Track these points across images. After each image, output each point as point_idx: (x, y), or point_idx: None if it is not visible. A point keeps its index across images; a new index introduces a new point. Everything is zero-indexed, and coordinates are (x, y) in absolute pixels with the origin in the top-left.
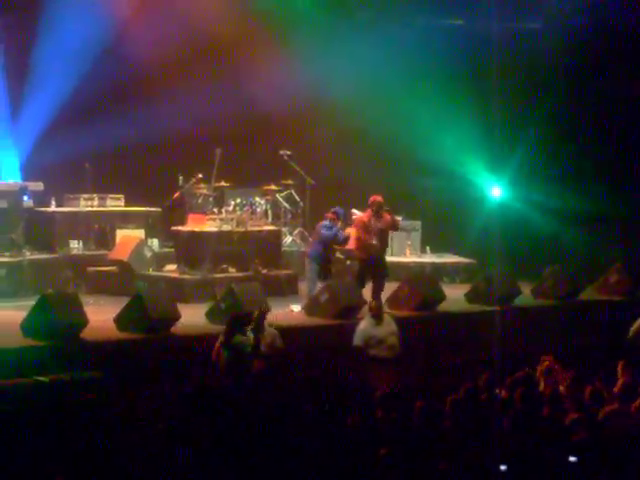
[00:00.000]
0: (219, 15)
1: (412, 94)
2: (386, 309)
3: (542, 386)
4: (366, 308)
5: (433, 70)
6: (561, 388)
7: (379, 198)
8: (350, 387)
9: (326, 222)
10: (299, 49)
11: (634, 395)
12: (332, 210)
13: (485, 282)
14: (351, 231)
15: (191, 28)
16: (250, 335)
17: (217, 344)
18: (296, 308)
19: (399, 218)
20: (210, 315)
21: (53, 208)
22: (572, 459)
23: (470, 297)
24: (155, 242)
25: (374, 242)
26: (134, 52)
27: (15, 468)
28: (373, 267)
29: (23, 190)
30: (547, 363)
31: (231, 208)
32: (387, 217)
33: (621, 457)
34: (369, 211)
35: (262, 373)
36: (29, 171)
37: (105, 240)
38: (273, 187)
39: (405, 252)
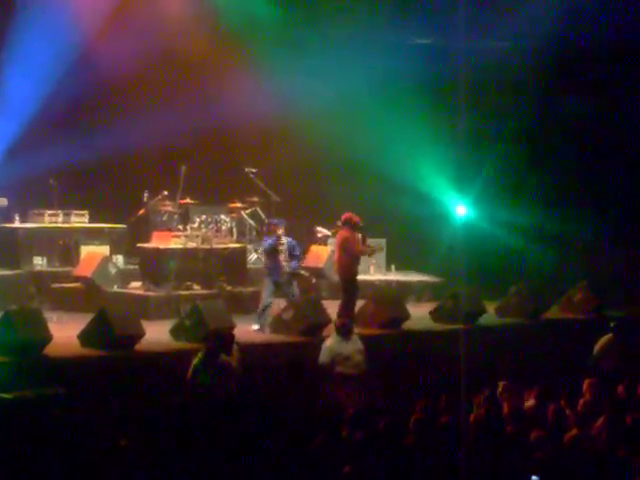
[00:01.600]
0: (185, 32)
1: (378, 112)
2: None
3: (505, 406)
4: (332, 325)
5: (400, 87)
6: (526, 406)
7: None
8: (316, 405)
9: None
10: (265, 66)
11: (597, 414)
12: (272, 222)
13: (450, 300)
14: (318, 249)
15: (157, 44)
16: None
17: (194, 362)
18: (255, 326)
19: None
20: (175, 332)
21: (17, 224)
22: (534, 478)
23: (435, 315)
24: (120, 259)
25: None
26: (99, 69)
27: None
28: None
29: None
30: (504, 384)
31: (196, 225)
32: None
33: (582, 476)
34: (347, 228)
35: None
36: None
37: (69, 256)
38: (238, 204)
39: (370, 270)
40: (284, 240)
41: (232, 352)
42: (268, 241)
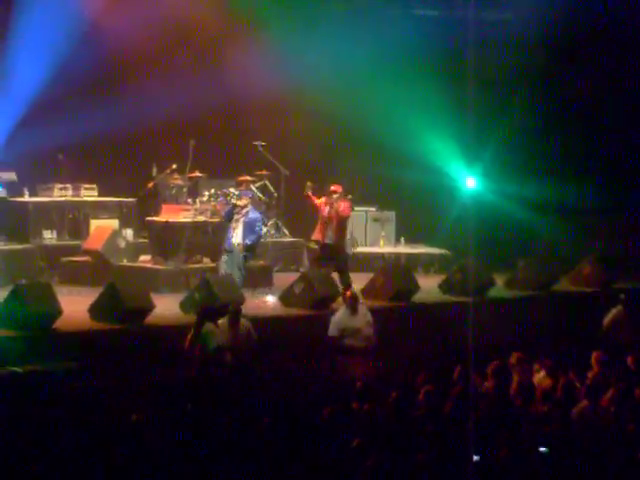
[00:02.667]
0: (194, 5)
1: (387, 84)
2: (361, 299)
3: (515, 378)
4: (341, 298)
5: (408, 60)
6: (535, 378)
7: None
8: (325, 378)
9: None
10: (273, 39)
11: (606, 386)
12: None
13: (459, 273)
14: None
15: (165, 18)
16: (221, 327)
17: (189, 335)
18: (271, 299)
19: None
20: (184, 306)
21: (26, 198)
22: (542, 450)
23: (444, 288)
24: (129, 232)
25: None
26: (108, 42)
27: None
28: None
29: None
30: (518, 355)
31: (205, 199)
32: (342, 205)
33: (591, 449)
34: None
35: (234, 365)
36: (2, 161)
37: (79, 230)
38: (247, 178)
39: (379, 243)
40: (245, 212)
41: (239, 325)
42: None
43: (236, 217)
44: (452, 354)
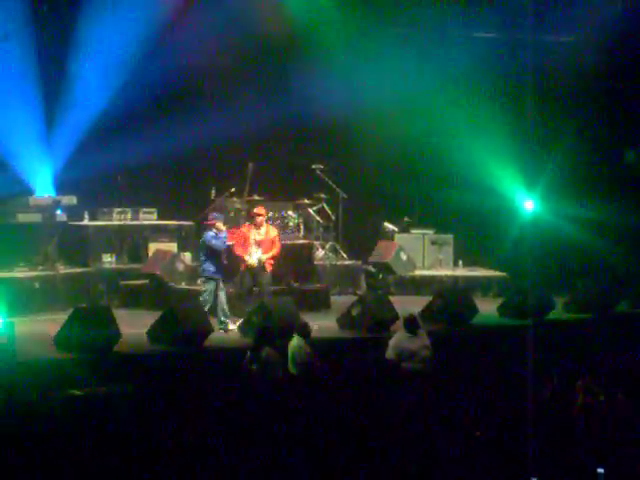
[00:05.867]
0: (258, 29)
1: (447, 106)
2: (419, 323)
3: (578, 400)
4: (399, 322)
5: (468, 82)
6: (596, 400)
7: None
8: (383, 401)
9: (211, 233)
10: (336, 62)
11: None
12: (211, 217)
13: (518, 295)
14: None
15: (225, 42)
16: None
17: (247, 356)
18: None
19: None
20: (242, 329)
21: (86, 222)
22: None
23: (503, 310)
24: (188, 255)
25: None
26: (167, 67)
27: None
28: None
29: (57, 204)
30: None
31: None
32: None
33: None
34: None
35: (291, 387)
36: (62, 185)
37: (138, 253)
38: (306, 201)
39: (436, 266)
40: (223, 236)
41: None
42: (218, 241)
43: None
44: (511, 377)
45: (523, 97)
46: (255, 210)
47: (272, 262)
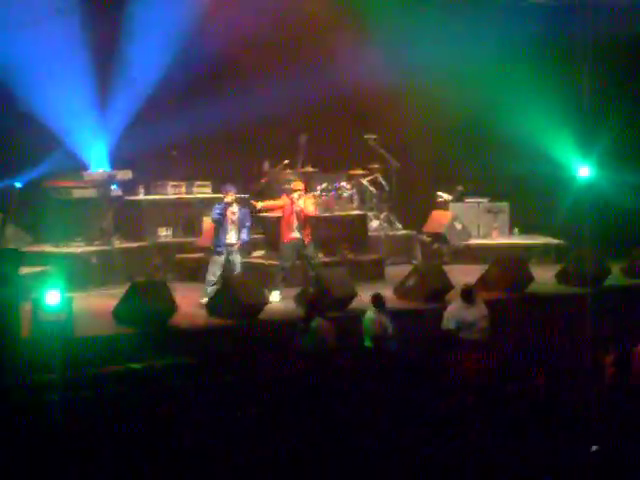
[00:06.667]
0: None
1: (500, 74)
2: (476, 291)
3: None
4: (455, 291)
5: (521, 49)
6: None
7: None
8: (441, 371)
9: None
10: (385, 32)
11: None
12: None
13: (575, 263)
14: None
15: (275, 13)
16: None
17: (299, 327)
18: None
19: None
20: (298, 300)
21: (141, 196)
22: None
23: (560, 278)
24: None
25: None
26: (218, 39)
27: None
28: None
29: (112, 179)
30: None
31: (317, 193)
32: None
33: None
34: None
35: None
36: (117, 160)
37: (192, 227)
38: (359, 171)
39: (492, 234)
40: (235, 209)
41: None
42: (216, 209)
43: (233, 218)
44: (569, 345)
45: (578, 63)
46: (292, 185)
47: (309, 235)
